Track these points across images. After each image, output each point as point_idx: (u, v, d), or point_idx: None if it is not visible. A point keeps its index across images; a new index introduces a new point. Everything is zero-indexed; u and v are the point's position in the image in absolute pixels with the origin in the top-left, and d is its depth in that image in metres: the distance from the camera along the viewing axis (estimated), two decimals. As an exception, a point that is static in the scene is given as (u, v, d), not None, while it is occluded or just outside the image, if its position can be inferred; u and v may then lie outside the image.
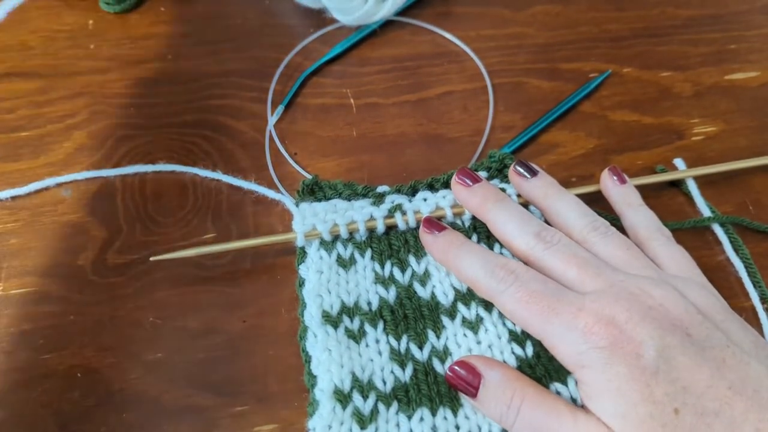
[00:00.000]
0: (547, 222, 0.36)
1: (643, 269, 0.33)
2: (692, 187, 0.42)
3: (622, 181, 0.39)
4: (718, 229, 0.40)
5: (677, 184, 0.42)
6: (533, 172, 0.38)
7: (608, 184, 0.39)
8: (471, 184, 0.37)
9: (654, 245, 0.35)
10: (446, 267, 0.36)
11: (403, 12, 0.51)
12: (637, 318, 0.29)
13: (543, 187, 0.37)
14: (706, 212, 0.41)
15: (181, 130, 0.45)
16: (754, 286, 0.38)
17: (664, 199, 0.42)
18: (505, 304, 0.32)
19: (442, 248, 0.35)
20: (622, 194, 0.39)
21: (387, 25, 0.51)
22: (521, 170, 0.38)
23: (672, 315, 0.29)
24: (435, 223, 0.36)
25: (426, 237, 0.36)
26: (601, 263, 0.32)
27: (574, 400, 0.31)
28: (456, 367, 0.32)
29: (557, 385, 0.32)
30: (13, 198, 0.41)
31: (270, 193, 0.41)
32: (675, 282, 0.32)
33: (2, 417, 0.34)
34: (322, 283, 0.36)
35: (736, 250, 0.39)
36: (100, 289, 0.38)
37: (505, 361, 0.34)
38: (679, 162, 0.43)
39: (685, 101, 0.47)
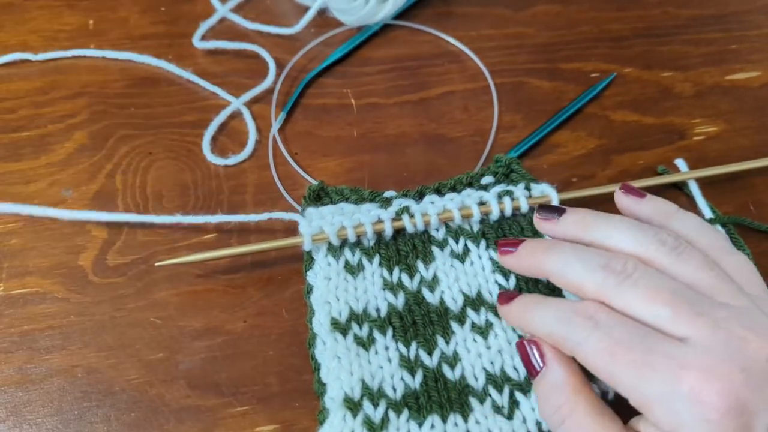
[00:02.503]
0: None
1: (734, 296, 0.28)
2: (694, 188, 0.41)
3: (641, 196, 0.34)
4: (719, 230, 0.40)
5: (679, 185, 0.42)
6: (560, 211, 0.33)
7: (629, 204, 0.34)
8: (515, 249, 0.33)
9: (719, 256, 0.30)
10: (525, 332, 0.33)
11: (404, 12, 0.51)
12: (755, 382, 0.24)
13: (578, 221, 0.32)
14: (708, 213, 0.41)
15: (182, 130, 0.45)
16: (756, 286, 0.38)
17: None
18: (587, 357, 0.27)
19: (518, 315, 0.32)
20: (653, 208, 0.33)
21: (388, 25, 0.51)
22: (546, 215, 0.33)
23: None
24: (508, 293, 0.34)
25: (501, 309, 0.34)
26: (692, 295, 0.27)
27: None
28: (531, 346, 0.30)
29: None
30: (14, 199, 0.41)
31: (284, 216, 0.38)
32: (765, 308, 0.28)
33: (3, 417, 0.34)
34: (330, 289, 0.36)
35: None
36: (100, 289, 0.38)
37: (515, 368, 0.33)
38: (680, 162, 0.43)
39: (686, 101, 0.47)
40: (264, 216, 0.38)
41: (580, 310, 0.28)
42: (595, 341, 0.27)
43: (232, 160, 0.43)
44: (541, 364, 0.30)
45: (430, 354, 0.34)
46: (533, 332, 0.31)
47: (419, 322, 0.35)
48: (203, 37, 0.49)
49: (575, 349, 0.28)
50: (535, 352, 0.30)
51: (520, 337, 0.34)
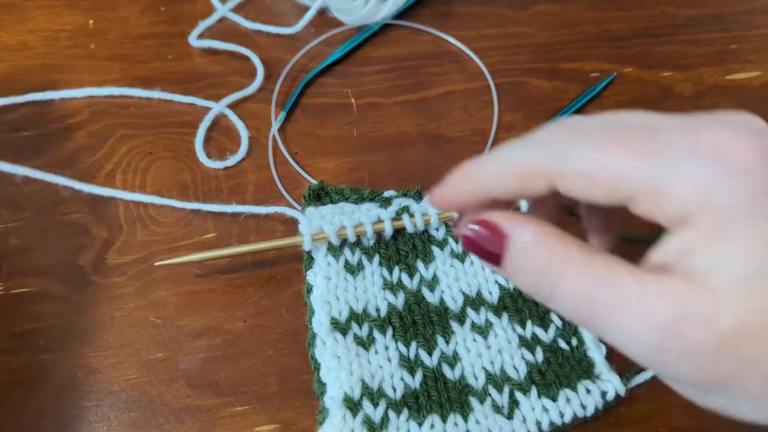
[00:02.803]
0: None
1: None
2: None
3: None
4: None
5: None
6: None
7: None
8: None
9: None
10: (470, 205, 0.27)
11: (404, 12, 0.51)
12: None
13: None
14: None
15: (181, 130, 0.45)
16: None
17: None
18: (581, 163, 0.22)
19: (464, 177, 0.27)
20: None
21: (388, 24, 0.51)
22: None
23: None
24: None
25: (433, 197, 0.28)
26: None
27: (584, 407, 0.31)
28: (474, 227, 0.24)
29: (567, 392, 0.32)
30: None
31: (287, 211, 0.39)
32: None
33: (2, 417, 0.34)
34: (330, 289, 0.36)
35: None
36: (100, 289, 0.38)
37: (515, 367, 0.33)
38: (680, 162, 0.43)
39: (686, 101, 0.47)
40: (271, 209, 0.39)
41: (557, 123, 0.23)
42: (587, 138, 0.22)
43: (229, 162, 0.43)
44: (500, 240, 0.23)
45: (429, 354, 0.34)
46: (490, 187, 0.25)
47: (419, 321, 0.35)
48: (201, 36, 0.49)
49: (559, 165, 0.23)
50: (485, 230, 0.23)
51: (520, 337, 0.34)
